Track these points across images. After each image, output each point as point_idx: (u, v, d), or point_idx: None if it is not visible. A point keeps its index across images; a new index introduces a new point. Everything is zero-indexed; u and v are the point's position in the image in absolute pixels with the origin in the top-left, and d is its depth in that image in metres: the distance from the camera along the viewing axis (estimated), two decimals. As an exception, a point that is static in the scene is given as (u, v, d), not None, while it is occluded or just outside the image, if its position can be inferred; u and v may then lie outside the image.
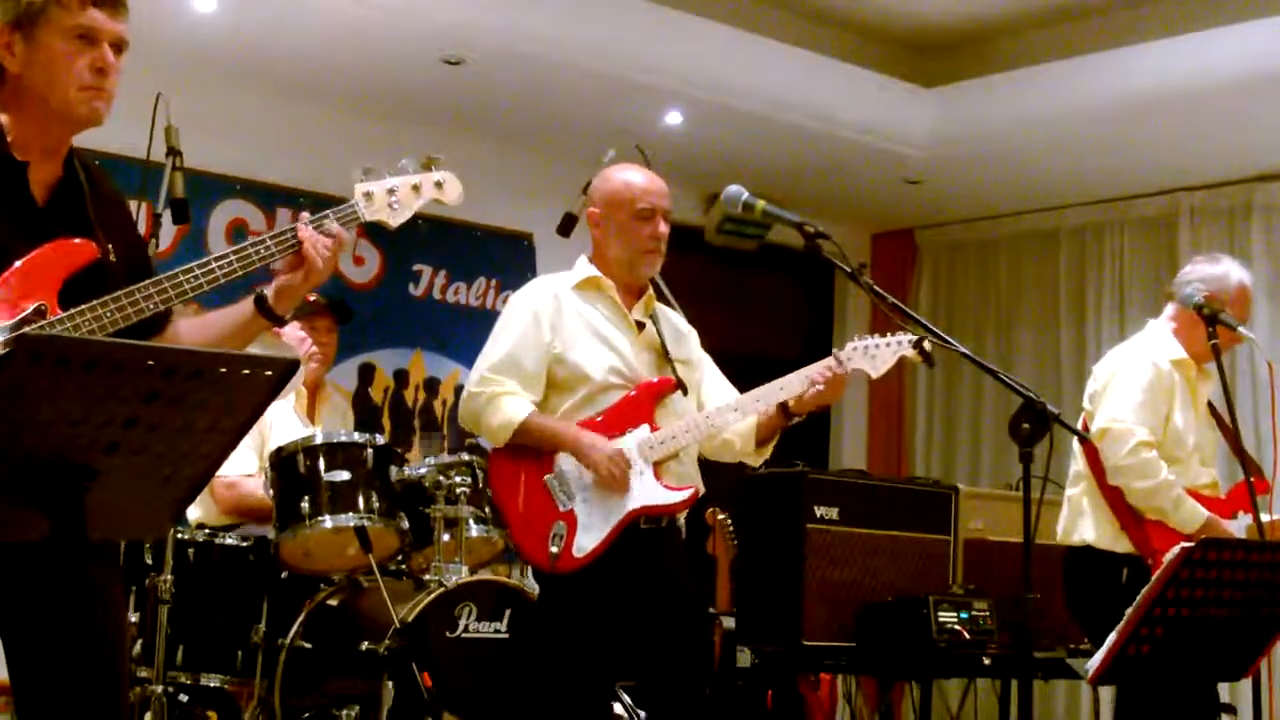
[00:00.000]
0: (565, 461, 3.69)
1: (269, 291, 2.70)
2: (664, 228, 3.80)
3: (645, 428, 3.71)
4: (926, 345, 3.58)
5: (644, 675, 3.80)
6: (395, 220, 2.86)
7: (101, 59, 2.57)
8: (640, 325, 3.83)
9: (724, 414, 3.78)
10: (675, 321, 3.98)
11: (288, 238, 2.68)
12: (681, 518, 3.85)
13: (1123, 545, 4.36)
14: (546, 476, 3.70)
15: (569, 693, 3.65)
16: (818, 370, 3.72)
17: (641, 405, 3.74)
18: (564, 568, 3.61)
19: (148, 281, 2.55)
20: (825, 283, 8.69)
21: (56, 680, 2.49)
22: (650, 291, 3.89)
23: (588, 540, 3.63)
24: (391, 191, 2.85)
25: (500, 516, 3.76)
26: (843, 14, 7.19)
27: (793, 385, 3.74)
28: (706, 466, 3.96)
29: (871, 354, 3.72)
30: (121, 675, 2.60)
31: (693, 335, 4.02)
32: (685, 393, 3.81)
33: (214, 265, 2.61)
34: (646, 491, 3.68)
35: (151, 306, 2.54)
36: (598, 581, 3.63)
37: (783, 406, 3.78)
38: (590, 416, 3.73)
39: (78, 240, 2.56)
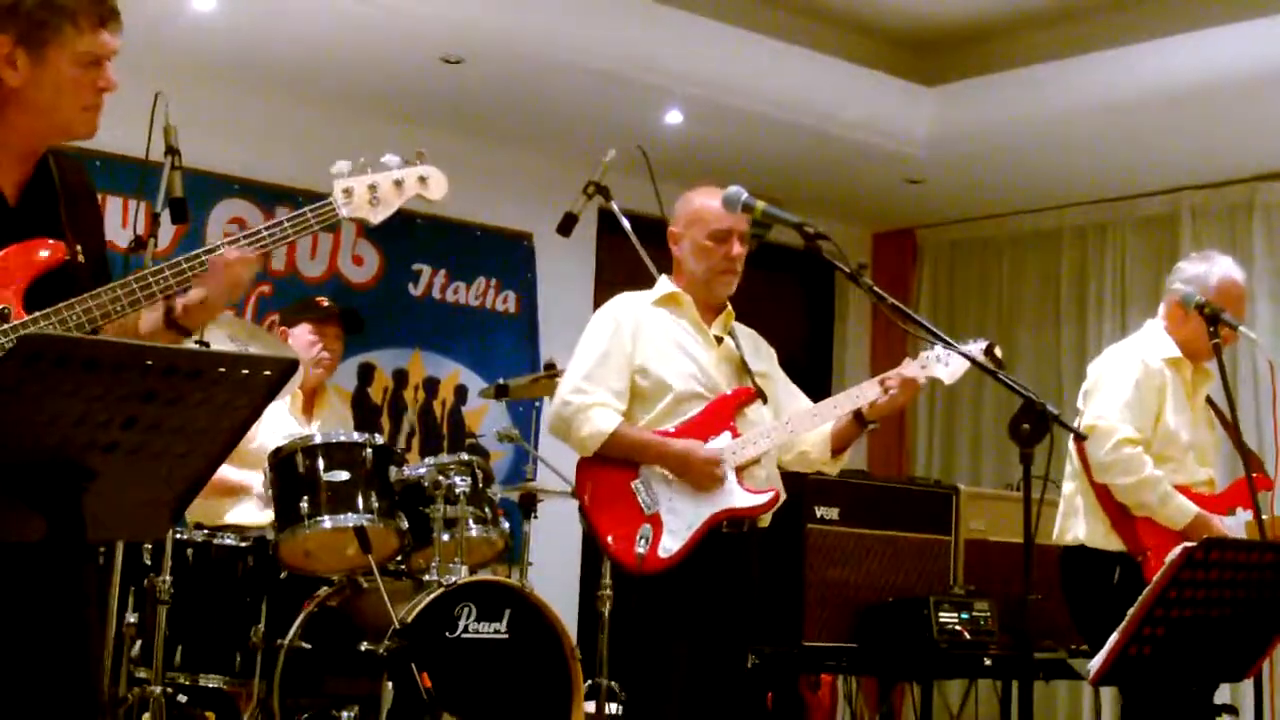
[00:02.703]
0: (650, 467, 3.82)
1: (178, 304, 2.64)
2: (739, 249, 3.93)
3: (726, 435, 3.84)
4: (997, 351, 3.70)
5: (691, 673, 3.89)
6: (376, 217, 2.79)
7: (105, 79, 2.57)
8: (719, 339, 3.97)
9: (803, 419, 3.92)
10: (753, 337, 4.12)
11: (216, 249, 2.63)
12: (765, 520, 3.95)
13: (1114, 543, 4.36)
14: (633, 482, 3.83)
15: (649, 685, 3.83)
16: (892, 376, 3.85)
17: (723, 414, 3.87)
18: (650, 569, 3.74)
19: (115, 283, 2.52)
20: (825, 283, 8.68)
21: (30, 682, 2.46)
22: (729, 308, 4.03)
23: (673, 542, 3.76)
24: (373, 188, 2.79)
25: (587, 522, 3.88)
26: (843, 13, 7.18)
27: (868, 391, 3.88)
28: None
29: (945, 361, 3.85)
30: (95, 677, 2.58)
31: (771, 352, 4.15)
32: (765, 401, 3.93)
33: (182, 262, 2.59)
34: (730, 495, 3.81)
35: (119, 309, 2.51)
36: (679, 583, 3.76)
37: (857, 414, 3.91)
38: (673, 425, 3.86)
39: (46, 241, 2.54)
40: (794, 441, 4.00)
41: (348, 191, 2.77)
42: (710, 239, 3.92)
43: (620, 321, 3.92)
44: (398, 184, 2.83)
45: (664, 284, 4.03)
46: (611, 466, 3.84)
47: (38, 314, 2.45)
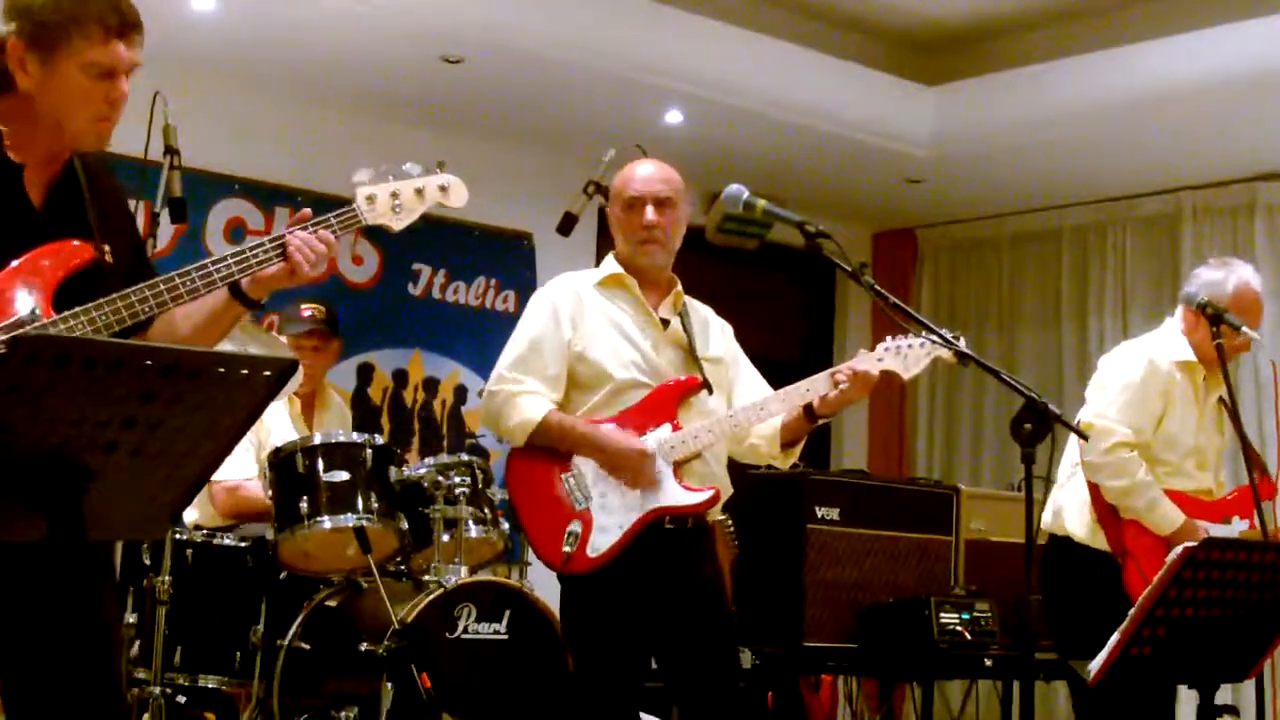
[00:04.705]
0: (583, 461, 3.62)
1: (244, 279, 2.64)
2: (652, 215, 3.70)
3: (667, 427, 3.63)
4: (962, 344, 3.47)
5: (671, 678, 3.75)
6: (398, 224, 2.82)
7: (117, 91, 2.53)
8: (666, 322, 3.76)
9: (748, 413, 3.68)
10: (706, 318, 3.90)
11: (281, 242, 2.64)
12: (714, 515, 3.79)
13: (1101, 541, 4.33)
14: (564, 475, 3.62)
15: (593, 692, 3.62)
16: (843, 370, 3.63)
17: (664, 404, 3.65)
18: (577, 568, 3.55)
19: (143, 284, 2.51)
20: (826, 282, 8.68)
21: (52, 685, 2.47)
22: (679, 288, 3.81)
23: (603, 540, 3.55)
24: (395, 195, 2.81)
25: (514, 516, 3.71)
26: (844, 12, 7.18)
27: (819, 385, 3.64)
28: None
29: (904, 354, 3.63)
30: (118, 679, 2.59)
31: (727, 331, 3.93)
32: (711, 392, 3.71)
33: (211, 269, 2.58)
34: (665, 492, 3.60)
35: (147, 310, 2.50)
36: (617, 582, 3.57)
37: (807, 409, 3.69)
38: (612, 415, 3.66)
39: (73, 242, 2.54)
40: (743, 433, 3.76)
41: (370, 198, 2.79)
42: (622, 209, 3.73)
43: (558, 305, 3.69)
44: (419, 192, 2.85)
45: (609, 264, 3.80)
46: (542, 458, 3.62)
47: (66, 314, 2.45)
